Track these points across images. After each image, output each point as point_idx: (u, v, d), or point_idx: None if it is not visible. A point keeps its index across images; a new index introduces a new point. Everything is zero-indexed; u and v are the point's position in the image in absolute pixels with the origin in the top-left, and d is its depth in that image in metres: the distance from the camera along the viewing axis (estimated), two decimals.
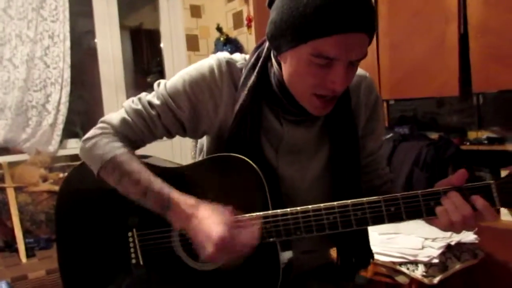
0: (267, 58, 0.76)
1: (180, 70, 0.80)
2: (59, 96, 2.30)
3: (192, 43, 2.95)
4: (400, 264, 1.35)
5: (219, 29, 2.80)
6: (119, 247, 0.81)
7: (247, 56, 0.80)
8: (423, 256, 1.33)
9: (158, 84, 0.80)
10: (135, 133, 0.78)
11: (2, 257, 1.93)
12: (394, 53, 1.87)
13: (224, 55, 0.79)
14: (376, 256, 1.40)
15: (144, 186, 0.70)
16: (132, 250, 0.80)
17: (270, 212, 0.70)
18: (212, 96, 0.76)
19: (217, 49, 2.81)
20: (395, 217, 0.65)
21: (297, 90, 0.70)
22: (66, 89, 2.32)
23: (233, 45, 2.75)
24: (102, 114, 2.57)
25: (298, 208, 0.68)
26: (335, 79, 0.64)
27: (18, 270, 1.80)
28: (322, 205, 0.67)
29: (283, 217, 0.68)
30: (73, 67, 2.35)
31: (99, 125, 0.79)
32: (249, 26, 2.76)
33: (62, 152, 2.33)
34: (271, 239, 0.69)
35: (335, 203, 0.67)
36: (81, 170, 0.83)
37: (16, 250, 1.93)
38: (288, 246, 0.75)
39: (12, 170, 2.07)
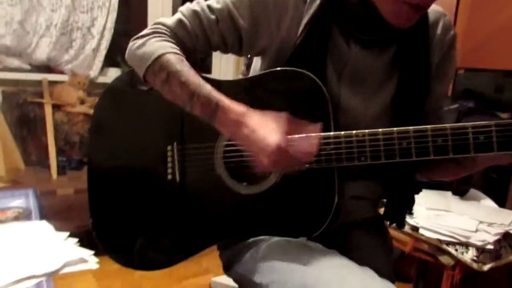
0: None
1: None
2: (104, 20, 2.24)
3: None
4: (448, 243, 1.20)
5: None
6: (155, 163, 0.76)
7: None
8: (476, 240, 1.17)
9: None
10: (189, 36, 0.72)
11: (34, 171, 1.96)
12: (475, 14, 1.62)
13: None
14: (420, 231, 1.26)
15: (192, 88, 0.65)
16: (169, 165, 0.75)
17: (332, 133, 0.61)
18: (276, 7, 0.70)
19: None
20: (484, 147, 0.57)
21: None
22: (112, 15, 2.25)
23: None
24: None
25: (366, 131, 0.60)
26: None
27: (47, 185, 1.83)
28: (395, 129, 0.59)
29: (346, 139, 0.61)
30: None
31: (152, 26, 0.73)
32: None
33: (101, 79, 2.29)
34: (330, 164, 0.62)
35: (410, 127, 0.59)
36: (119, 85, 0.80)
37: (48, 167, 1.95)
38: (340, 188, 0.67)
39: (51, 88, 2.06)
